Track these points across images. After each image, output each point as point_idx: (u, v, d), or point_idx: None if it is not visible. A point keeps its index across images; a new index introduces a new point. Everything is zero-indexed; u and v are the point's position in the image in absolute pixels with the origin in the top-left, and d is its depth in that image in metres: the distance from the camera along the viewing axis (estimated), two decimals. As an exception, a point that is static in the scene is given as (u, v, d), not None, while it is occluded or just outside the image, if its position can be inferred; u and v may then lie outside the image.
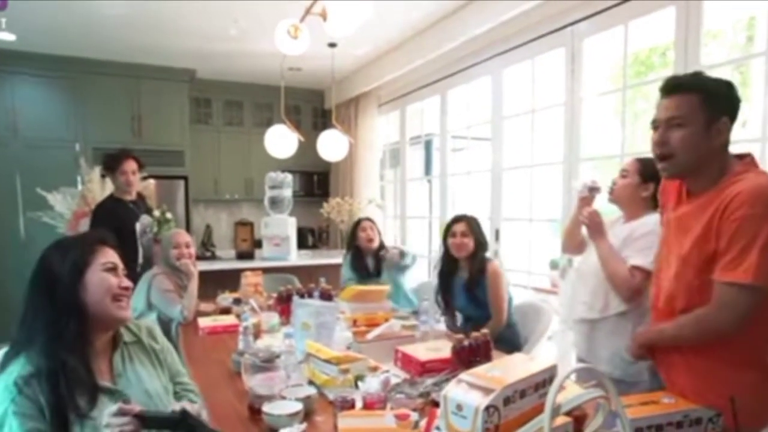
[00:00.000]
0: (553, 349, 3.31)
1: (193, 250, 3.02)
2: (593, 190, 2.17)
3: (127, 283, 1.36)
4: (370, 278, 3.46)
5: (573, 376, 1.42)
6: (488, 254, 2.83)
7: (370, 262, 3.58)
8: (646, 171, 2.02)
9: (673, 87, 1.39)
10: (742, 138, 3.22)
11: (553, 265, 4.03)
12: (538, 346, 2.56)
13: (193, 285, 2.88)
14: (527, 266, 3.86)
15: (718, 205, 1.32)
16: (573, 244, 2.29)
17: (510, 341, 2.53)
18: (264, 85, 5.91)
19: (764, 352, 1.34)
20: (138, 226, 3.42)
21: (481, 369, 1.16)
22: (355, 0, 2.18)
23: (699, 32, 2.58)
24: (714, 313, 1.32)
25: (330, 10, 2.28)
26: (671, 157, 1.38)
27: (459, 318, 2.77)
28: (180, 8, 3.87)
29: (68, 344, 1.24)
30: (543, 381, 1.12)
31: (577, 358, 2.26)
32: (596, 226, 2.03)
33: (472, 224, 2.77)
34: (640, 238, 1.95)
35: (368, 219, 3.71)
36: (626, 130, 3.23)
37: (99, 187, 4.15)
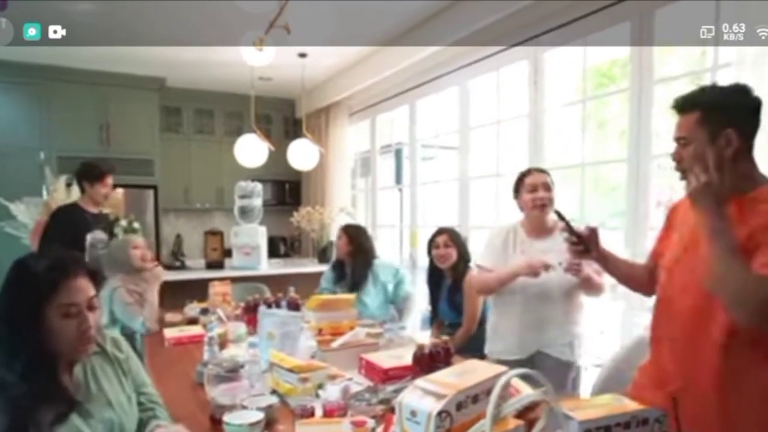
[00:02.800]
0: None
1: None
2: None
3: (89, 322, 1.27)
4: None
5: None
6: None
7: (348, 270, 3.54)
8: None
9: (677, 106, 1.42)
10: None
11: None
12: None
13: (153, 294, 2.83)
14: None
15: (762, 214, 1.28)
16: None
17: (478, 342, 2.58)
18: (234, 94, 5.88)
19: None
20: (89, 238, 3.27)
21: (437, 375, 1.19)
22: (314, 14, 2.21)
23: (651, 46, 2.69)
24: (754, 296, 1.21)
25: (292, 25, 2.31)
26: (686, 173, 1.39)
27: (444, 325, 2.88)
28: (149, 16, 3.85)
29: (30, 362, 1.21)
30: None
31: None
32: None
33: (453, 235, 2.90)
34: None
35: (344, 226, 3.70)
36: (587, 140, 3.34)
37: (65, 197, 4.09)
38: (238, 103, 5.90)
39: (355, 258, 3.46)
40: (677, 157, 1.42)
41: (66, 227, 3.31)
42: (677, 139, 1.41)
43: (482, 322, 2.74)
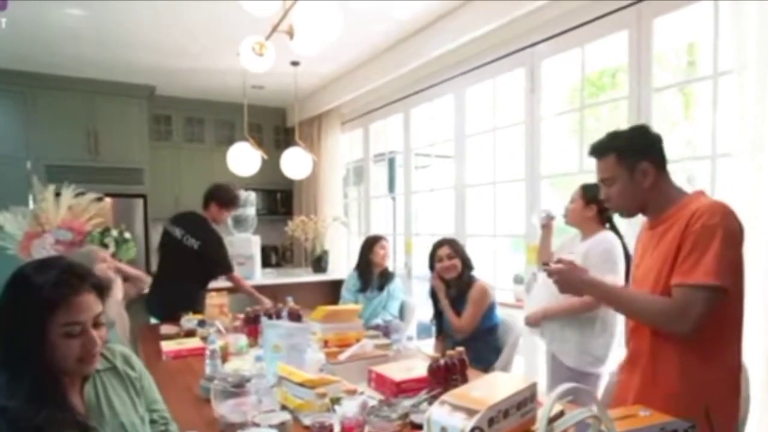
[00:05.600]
0: (521, 363, 3.36)
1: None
2: (551, 218, 2.64)
3: (94, 341, 1.18)
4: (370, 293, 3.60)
5: (546, 390, 1.43)
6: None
7: (375, 279, 3.62)
8: (588, 194, 2.44)
9: (595, 152, 1.64)
10: (687, 156, 3.41)
11: (518, 280, 4.10)
12: (510, 360, 2.63)
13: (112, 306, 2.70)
14: (492, 281, 3.90)
15: (680, 223, 1.47)
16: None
17: (479, 353, 2.56)
18: (225, 103, 5.84)
19: (731, 352, 1.47)
20: None
21: (462, 390, 1.16)
22: (324, 17, 2.18)
23: (650, 55, 2.71)
24: (674, 312, 1.42)
25: (297, 28, 2.28)
26: (619, 208, 1.66)
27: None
28: (138, 22, 3.79)
29: (36, 383, 1.12)
30: (525, 400, 1.13)
31: (548, 355, 2.51)
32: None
33: (454, 246, 2.88)
34: (597, 257, 2.32)
35: (384, 238, 3.78)
36: (583, 148, 3.36)
37: (53, 206, 3.99)
38: (229, 111, 5.85)
39: (385, 270, 3.64)
40: (607, 197, 1.64)
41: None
42: (602, 181, 1.63)
43: (484, 336, 2.71)
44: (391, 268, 3.83)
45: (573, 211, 2.50)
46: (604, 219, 2.48)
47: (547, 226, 2.66)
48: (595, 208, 2.44)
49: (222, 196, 3.55)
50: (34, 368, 1.14)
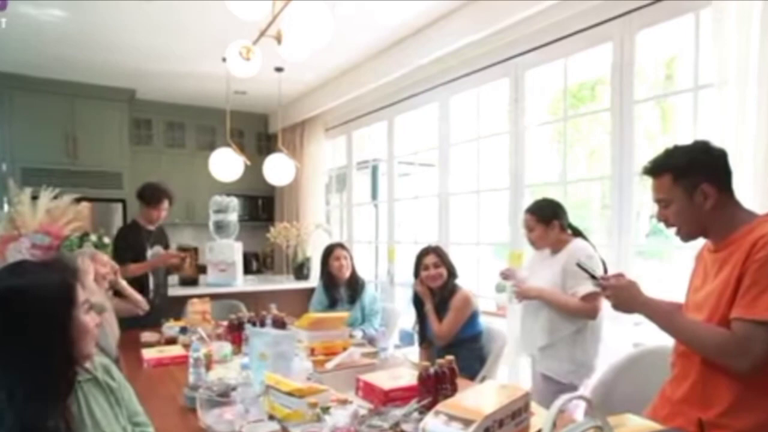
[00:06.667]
0: (505, 371, 3.37)
1: None
2: (507, 277, 2.58)
3: (98, 319, 1.24)
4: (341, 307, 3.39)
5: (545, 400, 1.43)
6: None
7: (343, 291, 3.48)
8: (541, 215, 2.44)
9: (650, 171, 1.52)
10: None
11: (500, 289, 4.11)
12: (495, 369, 2.64)
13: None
14: (475, 289, 3.91)
15: (742, 250, 1.35)
16: None
17: (463, 361, 2.56)
18: (207, 108, 5.79)
19: None
20: (150, 253, 3.58)
21: (455, 399, 1.16)
22: (314, 21, 2.17)
23: (633, 67, 2.76)
24: (732, 347, 1.32)
25: (286, 32, 2.27)
26: (678, 230, 1.51)
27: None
28: (120, 24, 3.72)
29: (54, 397, 1.09)
30: (519, 409, 1.13)
31: (540, 376, 2.45)
32: (525, 294, 2.46)
33: (440, 254, 2.85)
34: (575, 267, 2.14)
35: (341, 246, 3.62)
36: (566, 158, 3.40)
37: (29, 210, 3.89)
38: (211, 116, 5.79)
39: (351, 281, 3.48)
40: (662, 218, 1.52)
41: (129, 244, 3.49)
42: (658, 201, 1.52)
43: (468, 344, 2.71)
44: (371, 276, 3.77)
45: (539, 238, 2.48)
46: (566, 227, 2.48)
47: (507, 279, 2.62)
48: (556, 223, 2.43)
49: (143, 194, 3.64)
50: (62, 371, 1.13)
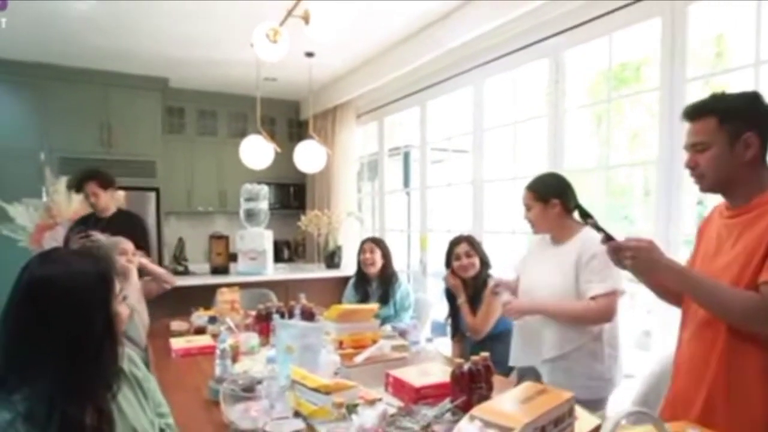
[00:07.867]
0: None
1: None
2: (497, 288, 2.25)
3: (129, 310, 1.24)
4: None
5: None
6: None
7: (375, 287, 3.40)
8: (540, 192, 2.12)
9: (691, 113, 1.44)
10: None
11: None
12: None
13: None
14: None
15: None
16: None
17: (499, 356, 2.44)
18: (239, 95, 5.76)
19: None
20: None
21: (492, 403, 1.06)
22: (338, 0, 2.08)
23: (685, 43, 2.56)
24: (763, 309, 1.25)
25: (313, 12, 2.18)
26: (702, 177, 1.43)
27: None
28: (151, 11, 3.70)
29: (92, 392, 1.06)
30: (562, 415, 1.02)
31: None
32: (519, 312, 2.13)
33: (472, 243, 2.74)
34: (591, 261, 1.98)
35: (372, 240, 3.54)
36: (606, 142, 3.22)
37: (65, 199, 3.95)
38: (242, 104, 5.77)
39: (383, 277, 3.38)
40: (692, 164, 1.44)
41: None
42: (693, 145, 1.43)
43: (504, 338, 2.59)
44: (403, 265, 3.67)
45: (537, 217, 2.13)
46: (571, 209, 2.11)
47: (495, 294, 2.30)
48: (556, 202, 2.08)
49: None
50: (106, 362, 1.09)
